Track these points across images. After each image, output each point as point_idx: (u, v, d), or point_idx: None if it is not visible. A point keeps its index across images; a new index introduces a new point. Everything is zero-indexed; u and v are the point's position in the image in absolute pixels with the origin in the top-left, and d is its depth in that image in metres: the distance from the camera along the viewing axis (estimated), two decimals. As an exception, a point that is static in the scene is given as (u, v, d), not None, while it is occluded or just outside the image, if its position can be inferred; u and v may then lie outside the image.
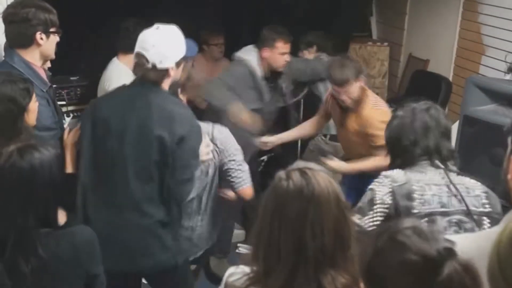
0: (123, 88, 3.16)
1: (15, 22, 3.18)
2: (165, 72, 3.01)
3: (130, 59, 4.40)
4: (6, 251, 2.17)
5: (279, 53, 4.60)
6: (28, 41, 3.20)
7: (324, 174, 1.84)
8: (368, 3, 7.10)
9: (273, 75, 4.71)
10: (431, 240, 1.54)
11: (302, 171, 1.81)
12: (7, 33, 3.25)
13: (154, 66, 2.97)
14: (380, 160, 3.78)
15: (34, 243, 2.19)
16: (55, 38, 3.28)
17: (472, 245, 1.78)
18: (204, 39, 5.71)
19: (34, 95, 2.91)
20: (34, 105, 2.91)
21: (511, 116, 4.25)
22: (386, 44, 6.74)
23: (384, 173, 2.62)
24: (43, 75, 3.30)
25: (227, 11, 6.62)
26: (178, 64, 3.09)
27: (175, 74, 3.09)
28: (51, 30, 3.23)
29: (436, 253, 1.51)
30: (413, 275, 1.51)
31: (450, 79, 5.69)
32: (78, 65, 5.56)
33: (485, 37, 5.25)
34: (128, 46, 4.43)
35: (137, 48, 3.01)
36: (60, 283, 2.28)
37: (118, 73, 4.20)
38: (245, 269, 1.88)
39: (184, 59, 3.15)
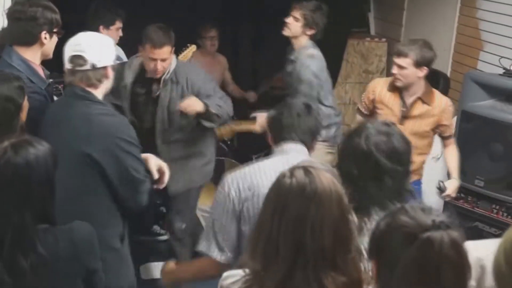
0: (58, 101, 3.17)
1: (22, 20, 3.19)
2: (104, 72, 2.96)
3: (111, 33, 4.61)
4: (4, 249, 2.16)
5: (147, 57, 4.00)
6: (33, 40, 3.21)
7: (329, 173, 1.83)
8: (366, -2, 7.10)
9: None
10: (431, 214, 1.62)
11: (306, 169, 1.80)
12: (11, 30, 3.26)
13: (93, 66, 2.92)
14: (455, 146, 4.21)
15: (33, 240, 2.18)
16: (55, 38, 3.30)
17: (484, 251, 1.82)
18: (198, 32, 5.73)
19: (24, 94, 2.90)
20: (26, 103, 2.91)
21: (510, 112, 4.27)
22: (384, 40, 6.74)
23: None
24: (41, 73, 3.30)
25: (226, 7, 6.61)
26: (113, 66, 3.05)
27: (111, 75, 3.03)
28: (55, 30, 3.26)
29: (431, 222, 1.59)
30: (403, 234, 1.60)
31: (448, 74, 5.68)
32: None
33: (483, 33, 5.25)
34: (106, 20, 4.66)
35: (71, 52, 2.93)
36: (60, 279, 2.27)
37: None
38: (240, 272, 1.87)
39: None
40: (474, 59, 5.30)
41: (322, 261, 1.73)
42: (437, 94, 4.20)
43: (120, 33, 4.79)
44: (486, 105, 4.46)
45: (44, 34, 3.21)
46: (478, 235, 4.33)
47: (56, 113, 3.01)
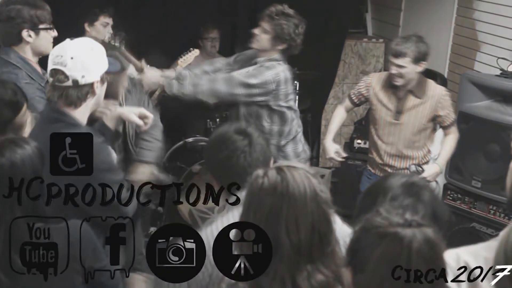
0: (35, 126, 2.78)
1: (1, 21, 3.14)
2: (89, 89, 2.58)
3: (96, 29, 4.56)
4: (-3, 248, 2.16)
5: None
6: (16, 39, 3.15)
7: (303, 170, 1.83)
8: (363, -1, 7.11)
9: None
10: (404, 214, 1.64)
11: (279, 168, 1.82)
12: None
13: (75, 82, 2.54)
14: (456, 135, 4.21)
15: (27, 238, 2.18)
16: (47, 34, 3.20)
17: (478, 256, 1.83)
18: (199, 33, 5.70)
19: (24, 108, 2.81)
20: (21, 119, 2.80)
21: (506, 113, 4.28)
22: (381, 40, 6.75)
23: None
24: (39, 70, 3.25)
25: (223, 8, 6.60)
26: (102, 80, 2.65)
27: (100, 91, 2.66)
28: (41, 26, 3.16)
29: (403, 220, 1.60)
30: (375, 234, 1.60)
31: (445, 75, 5.69)
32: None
33: (480, 34, 5.25)
34: (90, 17, 4.58)
35: (52, 64, 2.55)
36: (57, 278, 2.26)
37: None
38: None
39: (108, 74, 2.72)
40: (471, 60, 5.31)
41: (298, 256, 1.75)
42: (430, 85, 4.20)
43: (109, 30, 4.63)
44: (483, 106, 4.47)
45: (26, 33, 3.12)
46: (475, 236, 4.35)
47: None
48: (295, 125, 4.23)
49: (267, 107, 4.03)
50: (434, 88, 4.19)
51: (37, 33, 3.15)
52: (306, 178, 1.80)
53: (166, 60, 5.84)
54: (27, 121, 2.83)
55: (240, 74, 3.96)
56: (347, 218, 2.17)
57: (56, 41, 3.13)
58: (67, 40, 2.62)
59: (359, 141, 4.77)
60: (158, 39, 5.85)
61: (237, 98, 3.96)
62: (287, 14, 3.97)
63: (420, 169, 4.10)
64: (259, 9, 6.54)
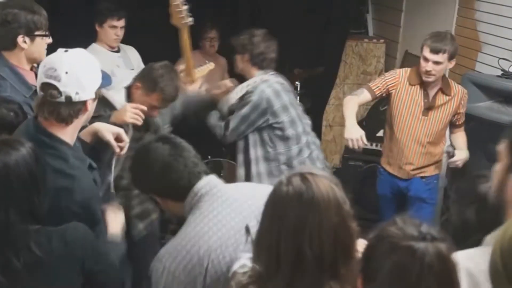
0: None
1: None
2: (82, 106, 2.40)
3: (99, 37, 4.57)
4: (-5, 249, 2.16)
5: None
6: (11, 45, 3.02)
7: (327, 179, 1.80)
8: (364, 0, 7.11)
9: None
10: (420, 226, 1.60)
11: (303, 176, 1.78)
12: None
13: (69, 99, 2.35)
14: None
15: (24, 239, 2.17)
16: (42, 41, 3.07)
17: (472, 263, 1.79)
18: (200, 34, 5.70)
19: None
20: None
21: (507, 113, 4.28)
22: (382, 41, 6.75)
23: None
24: (30, 79, 3.06)
25: (224, 9, 6.61)
26: (96, 96, 2.47)
27: (91, 107, 2.48)
28: (37, 33, 3.04)
29: (417, 233, 1.57)
30: (389, 244, 1.57)
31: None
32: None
33: (481, 34, 5.25)
34: (98, 18, 4.57)
35: (43, 77, 2.36)
36: (56, 279, 2.25)
37: (95, 54, 4.29)
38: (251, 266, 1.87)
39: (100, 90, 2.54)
40: (472, 60, 5.30)
41: (321, 270, 1.72)
42: (453, 83, 4.28)
43: (118, 32, 4.63)
44: (484, 107, 4.47)
45: (21, 38, 2.99)
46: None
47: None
48: (305, 142, 4.12)
49: (268, 128, 4.00)
50: (457, 86, 4.27)
51: (32, 40, 3.03)
52: (330, 187, 1.77)
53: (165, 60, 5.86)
54: None
55: (233, 118, 4.01)
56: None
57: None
58: (61, 50, 2.43)
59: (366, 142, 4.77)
60: (156, 40, 5.86)
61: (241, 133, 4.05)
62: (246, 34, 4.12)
63: (452, 150, 4.04)
64: (259, 8, 6.63)
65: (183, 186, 2.24)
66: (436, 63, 4.04)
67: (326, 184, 1.77)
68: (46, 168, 2.26)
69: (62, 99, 2.33)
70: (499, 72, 4.55)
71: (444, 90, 4.19)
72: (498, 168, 1.92)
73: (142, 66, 4.79)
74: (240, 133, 4.05)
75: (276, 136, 4.03)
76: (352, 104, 4.21)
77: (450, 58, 4.06)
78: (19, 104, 2.80)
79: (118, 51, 4.73)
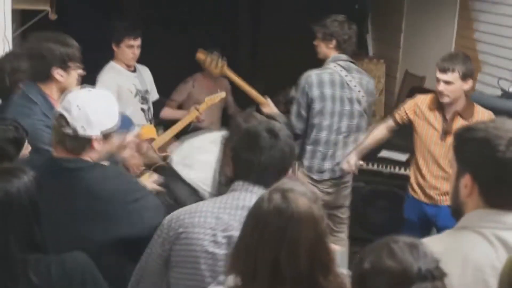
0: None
1: (32, 58, 3.16)
2: (86, 143, 2.49)
3: (117, 56, 4.68)
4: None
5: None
6: (45, 77, 3.14)
7: (306, 197, 1.85)
8: (364, 20, 7.14)
9: None
10: (419, 258, 1.55)
11: (283, 193, 1.83)
12: (27, 67, 3.23)
13: (75, 132, 2.47)
14: None
15: (23, 268, 2.15)
16: (75, 73, 3.20)
17: (440, 245, 1.78)
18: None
19: (26, 143, 2.79)
20: (24, 152, 2.79)
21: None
22: (382, 61, 6.77)
23: None
24: None
25: (225, 30, 6.66)
26: (106, 136, 2.54)
27: (102, 148, 2.54)
28: (71, 65, 3.16)
29: (417, 269, 1.53)
30: (387, 280, 1.54)
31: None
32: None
33: (481, 54, 5.28)
34: (115, 38, 4.67)
35: (59, 107, 2.54)
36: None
37: (115, 72, 4.62)
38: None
39: (117, 132, 2.64)
40: (472, 80, 5.31)
41: (299, 283, 1.76)
42: (478, 108, 4.16)
43: (135, 51, 4.71)
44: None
45: (56, 70, 3.12)
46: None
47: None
48: (332, 138, 4.42)
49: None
50: (481, 112, 4.13)
51: (67, 72, 3.16)
52: (309, 206, 1.82)
53: (173, 81, 5.91)
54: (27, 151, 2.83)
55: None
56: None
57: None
58: (86, 89, 2.62)
59: (361, 162, 4.76)
60: (164, 62, 5.92)
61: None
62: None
63: None
64: (260, 28, 6.67)
65: (238, 174, 2.39)
66: (447, 82, 3.98)
67: (305, 201, 1.82)
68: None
69: (70, 131, 2.45)
70: (499, 92, 4.56)
71: (462, 113, 4.08)
72: (451, 174, 1.98)
73: (154, 85, 4.91)
74: (300, 117, 4.38)
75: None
76: (375, 132, 4.47)
77: (464, 78, 3.97)
78: (13, 119, 2.88)
79: (134, 71, 4.84)
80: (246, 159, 2.32)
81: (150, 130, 4.74)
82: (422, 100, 4.27)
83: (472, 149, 1.86)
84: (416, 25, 6.37)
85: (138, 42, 4.74)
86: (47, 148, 2.93)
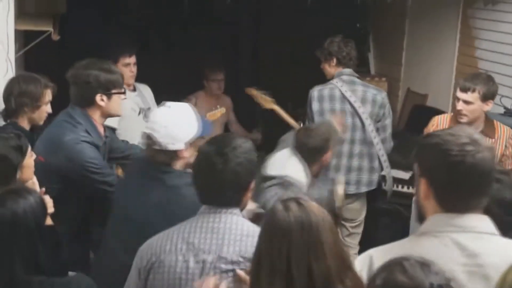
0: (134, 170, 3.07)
1: (77, 84, 3.29)
2: (174, 154, 2.84)
3: (118, 68, 4.43)
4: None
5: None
6: (89, 102, 3.30)
7: (315, 204, 2.00)
8: (365, 39, 7.16)
9: None
10: (430, 274, 1.57)
11: (298, 203, 1.94)
12: (71, 92, 3.35)
13: (164, 148, 2.81)
14: None
15: None
16: (118, 98, 3.37)
17: (401, 250, 1.84)
18: (205, 74, 5.76)
19: (29, 150, 2.83)
20: (29, 161, 2.83)
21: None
22: (384, 79, 6.78)
23: None
24: (101, 131, 3.41)
25: (227, 49, 6.69)
26: (190, 144, 2.89)
27: (188, 155, 2.87)
28: (113, 91, 3.32)
29: (428, 285, 1.55)
30: None
31: (449, 113, 5.70)
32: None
33: (483, 72, 5.27)
34: (112, 56, 4.47)
35: (145, 127, 2.88)
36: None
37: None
38: None
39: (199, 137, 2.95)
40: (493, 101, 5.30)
41: (330, 278, 1.86)
42: (498, 124, 4.13)
43: (132, 69, 4.62)
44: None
45: (99, 97, 3.28)
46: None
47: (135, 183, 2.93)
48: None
49: None
50: (502, 128, 4.10)
51: (109, 97, 3.32)
52: (322, 211, 1.95)
53: (174, 89, 5.93)
54: (32, 161, 2.87)
55: None
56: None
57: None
58: (166, 105, 2.89)
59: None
60: (165, 82, 5.93)
61: None
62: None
63: None
64: (260, 48, 6.70)
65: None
66: (466, 102, 3.93)
67: (318, 208, 1.96)
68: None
69: (158, 147, 2.79)
70: (501, 110, 4.55)
71: (486, 132, 3.96)
72: (415, 179, 2.06)
73: (155, 103, 4.88)
74: None
75: None
76: None
77: (484, 99, 3.91)
78: (15, 129, 3.02)
79: (134, 90, 4.75)
80: (200, 184, 2.39)
81: None
82: (442, 120, 4.23)
83: (427, 154, 1.95)
84: (417, 43, 6.38)
85: (133, 59, 4.64)
86: (92, 161, 3.23)
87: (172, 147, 2.80)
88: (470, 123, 3.98)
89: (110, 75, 3.32)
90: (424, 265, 1.59)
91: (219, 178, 2.32)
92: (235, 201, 2.36)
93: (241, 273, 2.22)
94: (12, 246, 2.16)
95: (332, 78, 4.64)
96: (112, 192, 3.18)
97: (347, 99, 4.50)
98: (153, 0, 6.17)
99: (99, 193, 3.31)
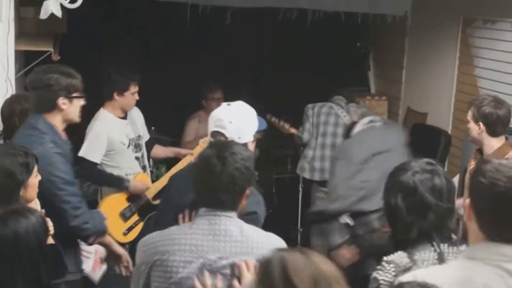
0: None
1: (38, 89, 3.26)
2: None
3: (114, 105, 4.53)
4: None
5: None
6: (51, 107, 3.26)
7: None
8: (365, 58, 7.19)
9: None
10: None
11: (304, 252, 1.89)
12: (32, 98, 3.34)
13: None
14: None
15: None
16: (78, 103, 3.33)
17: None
18: (203, 94, 5.78)
19: (35, 170, 2.81)
20: (34, 180, 2.81)
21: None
22: (384, 97, 6.80)
23: (385, 258, 2.35)
24: (64, 138, 3.35)
25: (226, 68, 6.71)
26: (254, 138, 3.01)
27: (252, 148, 2.98)
28: (74, 95, 3.29)
29: None
30: None
31: (449, 131, 5.71)
32: (79, 124, 5.60)
33: (482, 90, 5.29)
34: (120, 87, 4.50)
35: (212, 127, 2.98)
36: None
37: (107, 123, 4.44)
38: None
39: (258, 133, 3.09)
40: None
41: None
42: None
43: (136, 97, 4.57)
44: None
45: (61, 100, 3.25)
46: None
47: None
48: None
49: None
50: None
51: (70, 101, 3.28)
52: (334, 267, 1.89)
53: (173, 122, 5.94)
54: (36, 181, 2.85)
55: None
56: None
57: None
58: (224, 105, 3.04)
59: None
60: (164, 103, 5.95)
61: None
62: None
63: None
64: (260, 68, 6.73)
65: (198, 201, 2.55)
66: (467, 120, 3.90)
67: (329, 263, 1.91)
68: None
69: None
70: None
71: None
72: None
73: (145, 127, 4.83)
74: None
75: None
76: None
77: (475, 120, 3.81)
78: (24, 146, 2.94)
79: (125, 118, 4.64)
80: (199, 186, 2.45)
81: (144, 178, 4.68)
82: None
83: (476, 179, 1.92)
84: (417, 62, 6.40)
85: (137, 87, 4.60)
86: (61, 175, 3.17)
87: (241, 140, 2.85)
88: (475, 143, 3.93)
89: (71, 79, 3.29)
90: (425, 287, 1.60)
91: (217, 180, 2.37)
92: (231, 205, 2.42)
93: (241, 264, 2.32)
94: (14, 265, 2.17)
95: None
96: (74, 217, 3.18)
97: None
98: (156, 22, 6.19)
99: (59, 212, 3.16)
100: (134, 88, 4.54)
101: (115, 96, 4.51)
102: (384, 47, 7.03)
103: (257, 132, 3.05)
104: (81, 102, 3.35)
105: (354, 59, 7.03)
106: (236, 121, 2.93)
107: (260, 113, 4.21)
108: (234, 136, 2.87)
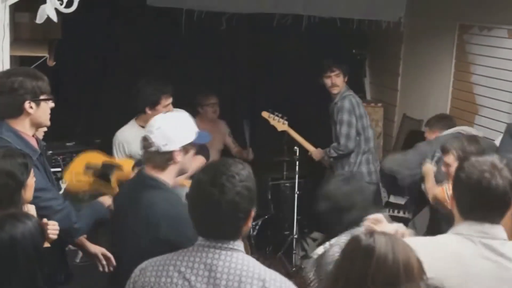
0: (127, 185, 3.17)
1: (2, 93, 3.08)
2: (169, 156, 2.87)
3: (146, 118, 4.21)
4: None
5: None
6: (17, 111, 3.09)
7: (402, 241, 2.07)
8: (361, 65, 7.20)
9: None
10: None
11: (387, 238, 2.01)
12: None
13: (158, 149, 2.86)
14: None
15: None
16: (47, 105, 3.16)
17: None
18: (198, 101, 5.77)
19: (32, 171, 2.81)
20: (31, 181, 2.81)
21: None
22: (380, 105, 6.80)
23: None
24: (34, 144, 3.17)
25: (222, 74, 6.71)
26: (185, 150, 2.93)
27: (183, 160, 2.92)
28: (41, 97, 3.13)
29: None
30: None
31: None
32: (73, 130, 5.60)
33: (478, 97, 5.30)
34: (151, 101, 4.37)
35: (144, 131, 2.97)
36: None
37: (134, 135, 4.21)
38: None
39: (194, 146, 2.99)
40: (470, 123, 5.32)
41: None
42: None
43: (171, 108, 4.38)
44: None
45: (28, 104, 3.07)
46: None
47: (123, 199, 3.05)
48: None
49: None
50: None
51: (38, 104, 3.11)
52: (410, 249, 2.02)
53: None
54: (33, 181, 2.84)
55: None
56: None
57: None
58: (162, 113, 3.14)
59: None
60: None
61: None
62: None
63: None
64: (256, 73, 6.72)
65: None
66: (447, 164, 3.98)
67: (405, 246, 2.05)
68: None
69: (154, 149, 2.86)
70: (496, 134, 4.55)
71: None
72: None
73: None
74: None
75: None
76: None
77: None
78: (20, 149, 2.93)
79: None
80: (197, 216, 2.24)
81: (127, 163, 4.45)
82: None
83: (457, 173, 2.43)
84: (413, 69, 6.41)
85: (171, 99, 4.46)
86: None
87: (166, 148, 2.86)
88: None
89: (37, 81, 3.10)
90: None
91: (217, 211, 2.14)
92: (234, 234, 2.18)
93: None
94: (10, 269, 2.17)
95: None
96: (60, 221, 2.90)
97: None
98: (151, 28, 6.19)
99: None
100: (166, 101, 4.40)
101: (147, 110, 4.38)
102: (380, 53, 7.04)
103: (193, 144, 2.96)
104: (50, 104, 3.18)
105: (349, 66, 7.02)
106: (164, 128, 2.89)
107: (256, 117, 4.23)
108: (160, 142, 2.86)
